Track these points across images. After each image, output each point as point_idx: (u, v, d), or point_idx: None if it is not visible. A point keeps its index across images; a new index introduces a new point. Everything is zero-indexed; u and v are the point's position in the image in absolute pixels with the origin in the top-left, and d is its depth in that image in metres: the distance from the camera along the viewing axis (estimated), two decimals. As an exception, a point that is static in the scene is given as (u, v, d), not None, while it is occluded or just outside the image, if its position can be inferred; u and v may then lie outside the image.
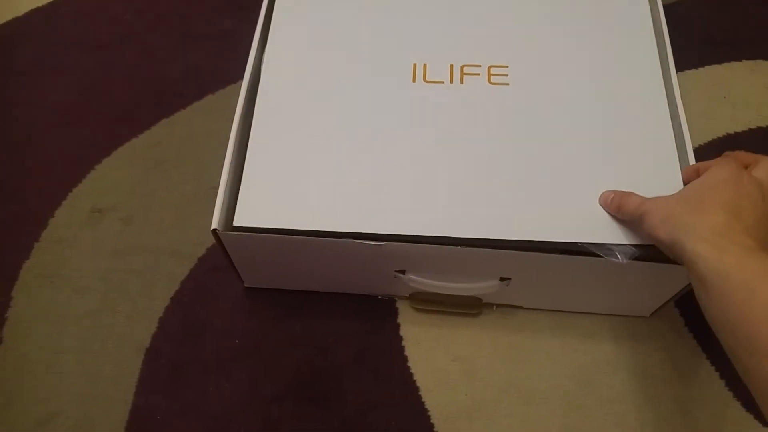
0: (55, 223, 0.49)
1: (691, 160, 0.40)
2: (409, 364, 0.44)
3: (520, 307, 0.45)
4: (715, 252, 0.29)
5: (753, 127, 0.53)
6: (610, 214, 0.37)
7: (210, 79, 0.57)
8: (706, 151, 0.52)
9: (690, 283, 0.32)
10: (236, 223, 0.39)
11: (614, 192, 0.37)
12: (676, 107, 0.43)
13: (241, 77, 0.44)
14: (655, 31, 0.47)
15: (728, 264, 0.29)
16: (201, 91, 0.56)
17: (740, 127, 0.53)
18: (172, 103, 0.55)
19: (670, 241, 0.32)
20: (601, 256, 0.36)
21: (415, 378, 0.43)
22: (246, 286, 0.47)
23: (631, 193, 0.36)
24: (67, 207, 0.50)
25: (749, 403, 0.42)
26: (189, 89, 0.56)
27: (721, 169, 0.34)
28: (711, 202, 0.32)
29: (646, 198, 0.35)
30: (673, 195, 0.35)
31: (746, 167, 0.35)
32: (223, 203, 0.39)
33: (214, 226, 0.38)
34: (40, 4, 0.61)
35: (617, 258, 0.36)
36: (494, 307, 0.45)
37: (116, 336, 0.45)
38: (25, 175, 0.52)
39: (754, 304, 0.27)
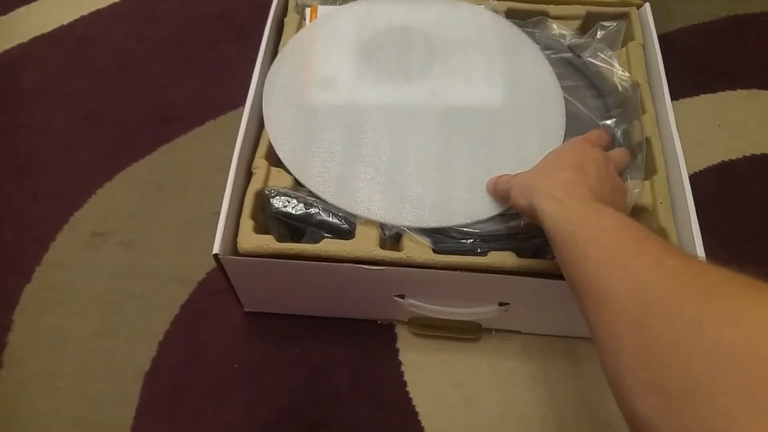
0: (57, 246, 0.50)
1: (687, 187, 0.41)
2: (408, 389, 0.44)
3: (519, 332, 0.45)
4: (555, 205, 0.31)
5: (747, 154, 0.54)
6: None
7: (211, 104, 0.57)
8: (702, 179, 0.53)
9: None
10: (240, 247, 0.39)
11: (494, 176, 0.40)
12: (671, 134, 0.44)
13: (242, 103, 0.45)
14: (649, 60, 0.48)
15: (563, 215, 0.30)
16: (202, 116, 0.57)
17: (735, 155, 0.54)
18: (174, 129, 0.56)
19: (528, 205, 0.34)
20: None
21: (414, 403, 0.43)
22: (246, 310, 0.47)
23: (505, 174, 0.39)
24: (68, 230, 0.50)
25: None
26: (190, 114, 0.57)
27: (568, 142, 0.39)
28: (558, 165, 0.35)
29: (513, 175, 0.38)
30: (532, 168, 0.37)
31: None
32: (224, 228, 0.39)
33: (215, 250, 0.38)
34: (45, 31, 0.62)
35: None
36: (493, 332, 0.45)
37: (116, 360, 0.45)
38: (28, 198, 0.52)
39: (576, 250, 0.28)
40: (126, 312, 0.47)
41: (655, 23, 0.50)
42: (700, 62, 0.60)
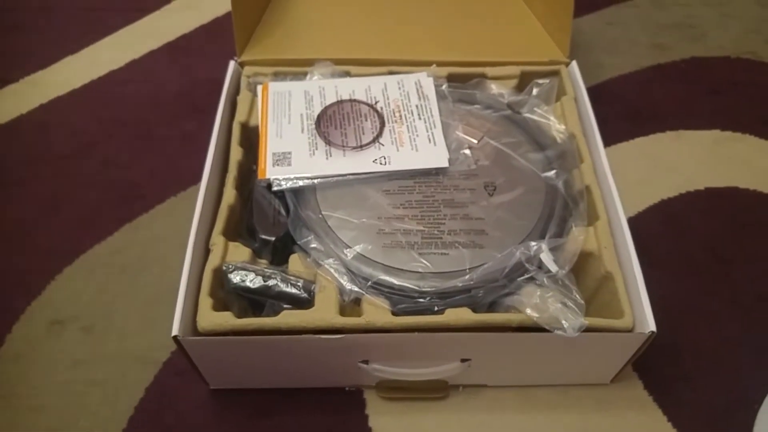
0: (12, 338, 0.48)
1: (626, 230, 0.43)
2: (381, 455, 0.43)
3: (486, 386, 0.46)
4: None
5: (683, 191, 0.58)
6: None
7: (171, 180, 0.59)
8: (645, 218, 0.56)
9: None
10: (199, 326, 0.39)
11: None
12: (608, 180, 0.46)
13: (201, 178, 0.46)
14: (582, 112, 0.52)
15: None
16: (163, 193, 0.58)
17: (672, 192, 0.58)
18: (135, 207, 0.57)
19: None
20: (550, 331, 0.38)
21: (388, 469, 0.42)
22: (212, 387, 0.46)
23: None
24: (24, 321, 0.49)
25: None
26: (151, 192, 0.58)
27: None
28: None
29: None
30: None
31: None
32: (182, 308, 0.39)
33: (174, 332, 0.38)
34: (2, 122, 0.63)
35: (565, 332, 0.38)
36: (460, 388, 0.46)
37: (77, 454, 0.43)
38: (-18, 291, 0.51)
39: None
40: (86, 401, 0.45)
41: (586, 75, 0.54)
42: (630, 108, 0.65)
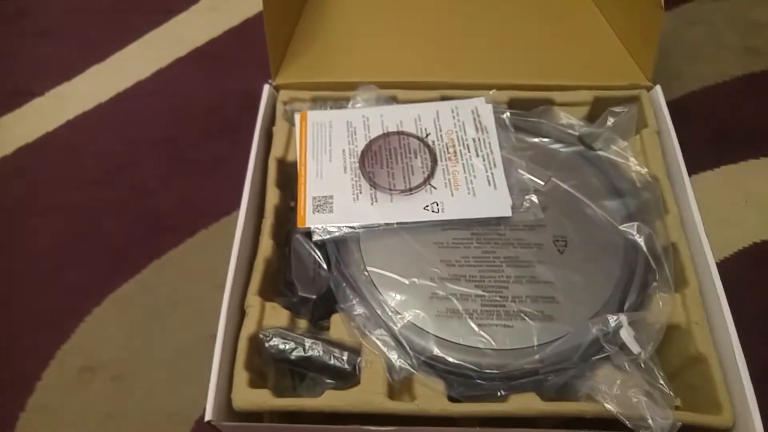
0: (42, 387, 0.46)
1: (716, 278, 0.37)
2: None
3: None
4: None
5: (782, 233, 0.50)
6: None
7: (203, 211, 0.55)
8: (733, 265, 0.49)
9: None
10: (235, 405, 0.36)
11: None
12: (699, 238, 0.40)
13: (235, 207, 0.42)
14: (665, 149, 0.45)
15: None
16: (194, 225, 0.54)
17: (767, 234, 0.50)
18: (164, 241, 0.53)
19: None
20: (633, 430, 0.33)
21: None
22: (248, 451, 0.43)
23: None
24: (55, 367, 0.47)
25: None
26: (181, 224, 0.54)
27: None
28: None
29: None
30: None
31: None
32: (216, 386, 0.36)
33: (208, 416, 0.34)
34: (29, 141, 0.60)
35: None
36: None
37: None
38: (11, 332, 0.49)
39: None
40: (118, 463, 0.43)
41: (663, 88, 0.47)
42: (717, 129, 0.56)
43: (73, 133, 0.61)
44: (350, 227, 0.42)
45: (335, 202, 0.43)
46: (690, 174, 0.42)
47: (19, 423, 0.45)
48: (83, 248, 0.54)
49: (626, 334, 0.36)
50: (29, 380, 0.47)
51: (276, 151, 0.46)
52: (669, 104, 0.46)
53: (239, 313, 0.40)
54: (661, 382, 0.35)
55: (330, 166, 0.45)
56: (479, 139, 0.45)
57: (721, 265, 0.47)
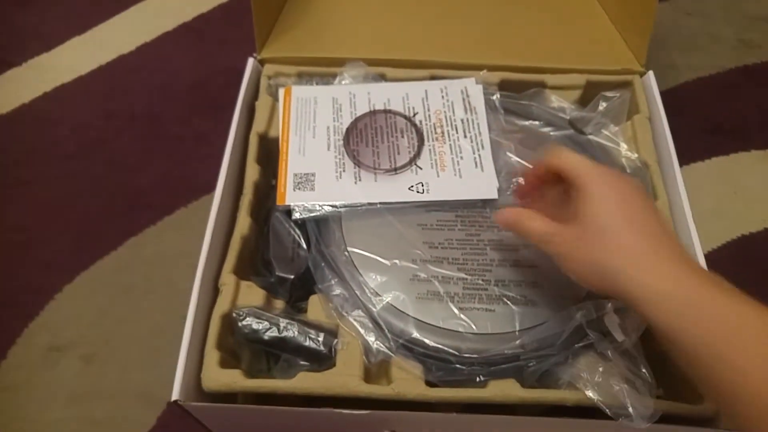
0: (8, 365, 0.45)
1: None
2: None
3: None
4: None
5: (769, 226, 0.50)
6: None
7: (182, 188, 0.53)
8: (720, 256, 0.48)
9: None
10: (204, 385, 0.34)
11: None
12: (687, 226, 0.39)
13: (215, 187, 0.40)
14: (657, 136, 0.44)
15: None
16: (172, 203, 0.52)
17: (755, 227, 0.49)
18: (141, 218, 0.51)
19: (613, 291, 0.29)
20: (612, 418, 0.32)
21: None
22: (219, 435, 0.42)
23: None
24: (21, 345, 0.46)
25: None
26: (159, 201, 0.52)
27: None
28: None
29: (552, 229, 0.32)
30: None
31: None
32: (185, 364, 0.34)
33: (174, 396, 0.33)
34: (2, 111, 0.58)
35: (632, 421, 0.32)
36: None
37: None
38: (-22, 308, 0.48)
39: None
40: (84, 443, 0.42)
41: (657, 78, 0.46)
42: (709, 120, 0.56)
43: (50, 106, 0.59)
44: (332, 206, 0.40)
45: (317, 179, 0.41)
46: (680, 164, 0.41)
47: (-18, 401, 0.43)
48: (56, 224, 0.52)
49: (611, 322, 0.35)
50: (-5, 358, 0.45)
51: (258, 126, 0.45)
52: (662, 94, 0.45)
53: (213, 292, 0.39)
54: (643, 370, 0.34)
55: (313, 143, 0.43)
56: (468, 120, 0.44)
57: (708, 256, 0.47)
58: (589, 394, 0.33)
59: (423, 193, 0.41)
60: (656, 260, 0.28)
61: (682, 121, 0.53)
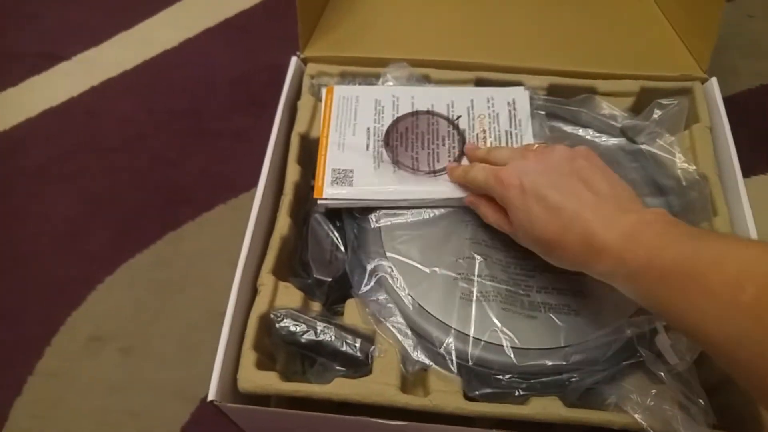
0: (52, 352, 0.46)
1: None
2: None
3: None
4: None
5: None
6: None
7: (222, 185, 0.53)
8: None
9: None
10: (240, 386, 0.34)
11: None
12: (744, 219, 0.36)
13: (255, 184, 0.40)
14: (718, 147, 0.41)
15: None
16: (211, 200, 0.52)
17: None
18: (181, 214, 0.52)
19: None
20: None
21: None
22: (252, 434, 0.42)
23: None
24: (65, 333, 0.47)
25: None
26: (199, 197, 0.53)
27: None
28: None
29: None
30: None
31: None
32: (222, 364, 0.34)
33: (211, 396, 0.33)
34: (53, 104, 0.60)
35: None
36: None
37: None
38: (25, 296, 0.49)
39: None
40: (122, 432, 0.42)
41: (720, 89, 0.43)
42: (774, 129, 0.53)
43: (97, 99, 0.60)
44: (369, 200, 0.39)
45: (355, 176, 0.41)
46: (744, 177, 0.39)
47: (26, 386, 0.44)
48: (99, 216, 0.53)
49: (662, 342, 0.33)
50: (40, 344, 0.46)
51: (299, 126, 0.44)
52: (723, 101, 0.42)
53: (251, 292, 0.38)
54: (699, 397, 0.32)
55: (353, 140, 0.43)
56: (512, 134, 0.42)
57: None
58: (638, 418, 0.31)
59: (462, 195, 0.39)
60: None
61: (743, 131, 0.50)
